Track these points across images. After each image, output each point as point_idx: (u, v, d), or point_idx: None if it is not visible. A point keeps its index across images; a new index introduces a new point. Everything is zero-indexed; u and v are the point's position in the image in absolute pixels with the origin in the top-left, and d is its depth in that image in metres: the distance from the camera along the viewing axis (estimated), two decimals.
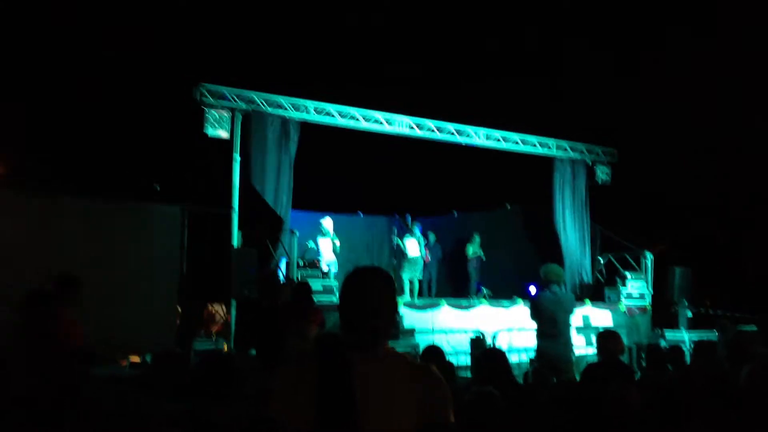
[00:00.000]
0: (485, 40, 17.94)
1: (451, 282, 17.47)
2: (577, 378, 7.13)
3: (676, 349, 7.11)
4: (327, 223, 14.07)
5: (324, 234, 13.95)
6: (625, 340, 6.70)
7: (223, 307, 12.55)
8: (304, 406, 2.23)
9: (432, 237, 16.64)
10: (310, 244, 14.02)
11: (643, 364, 9.03)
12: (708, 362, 5.83)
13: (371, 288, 2.40)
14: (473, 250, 16.05)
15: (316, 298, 11.06)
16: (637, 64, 17.28)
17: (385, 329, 2.40)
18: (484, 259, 16.18)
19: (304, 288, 7.94)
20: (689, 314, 14.27)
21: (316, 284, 11.49)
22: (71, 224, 9.54)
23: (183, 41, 16.69)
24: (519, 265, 16.30)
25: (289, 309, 7.79)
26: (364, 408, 2.21)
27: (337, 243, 13.99)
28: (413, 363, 2.42)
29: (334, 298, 12.12)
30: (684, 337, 13.37)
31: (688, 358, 8.47)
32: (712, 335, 11.57)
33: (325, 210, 15.84)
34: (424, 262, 15.74)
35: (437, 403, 2.33)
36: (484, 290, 15.74)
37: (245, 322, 11.03)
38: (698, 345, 6.70)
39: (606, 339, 5.97)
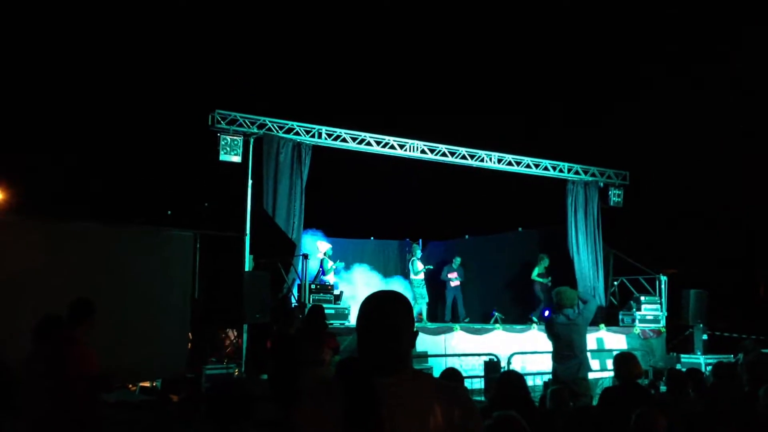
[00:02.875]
0: (499, 65, 18.04)
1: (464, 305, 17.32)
2: (594, 402, 7.05)
3: (694, 372, 7.01)
4: (323, 246, 14.47)
5: (327, 256, 14.25)
6: (641, 364, 6.60)
7: (234, 332, 12.52)
8: None
9: (457, 260, 16.63)
10: (338, 264, 14.26)
11: (662, 388, 8.91)
12: (729, 385, 5.73)
13: (390, 311, 2.37)
14: (539, 272, 15.54)
15: (328, 322, 11.08)
16: (651, 88, 17.33)
17: (408, 352, 2.37)
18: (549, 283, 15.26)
19: (318, 311, 7.87)
20: (704, 337, 14.10)
21: (328, 308, 11.51)
22: (83, 249, 9.52)
23: (197, 69, 16.85)
24: (532, 289, 16.19)
25: (303, 335, 7.73)
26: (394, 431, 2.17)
27: (331, 264, 14.32)
28: (440, 383, 2.38)
29: (347, 323, 12.06)
30: (700, 360, 13.21)
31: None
32: (728, 358, 11.42)
33: (337, 235, 15.92)
34: (451, 285, 16.09)
35: (468, 422, 2.29)
36: (497, 314, 15.63)
37: (257, 347, 10.96)
38: (717, 367, 6.59)
39: (624, 362, 5.86)
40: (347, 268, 16.04)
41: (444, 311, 16.35)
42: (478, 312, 16.85)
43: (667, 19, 16.78)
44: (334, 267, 14.37)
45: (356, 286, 15.55)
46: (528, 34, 17.75)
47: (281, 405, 6.40)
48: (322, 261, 14.17)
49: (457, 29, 18.09)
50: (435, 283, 16.53)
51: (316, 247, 14.49)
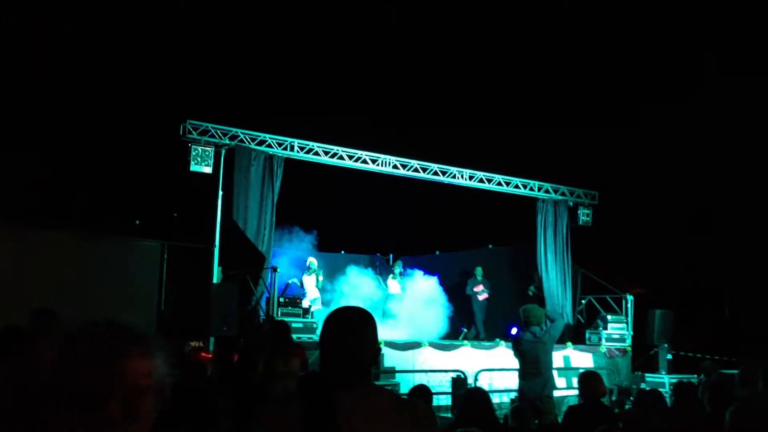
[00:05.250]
0: (472, 83, 18.20)
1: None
2: (559, 419, 7.09)
3: (654, 391, 7.08)
4: (312, 260, 14.30)
5: (309, 271, 14.11)
6: (605, 382, 6.67)
7: (200, 344, 12.40)
8: None
9: (479, 270, 16.13)
10: (292, 281, 14.07)
11: (627, 406, 8.99)
12: (690, 405, 5.80)
13: (353, 326, 2.40)
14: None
15: (296, 335, 11.01)
16: (622, 110, 17.60)
17: (369, 368, 2.41)
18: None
19: (283, 327, 7.83)
20: (669, 357, 14.25)
21: (296, 322, 11.47)
22: (49, 256, 9.42)
23: (169, 78, 16.75)
24: (501, 306, 16.25)
25: (271, 348, 7.67)
26: None
27: (321, 278, 14.17)
28: (399, 398, 2.41)
29: (315, 337, 11.99)
30: (664, 379, 13.34)
31: (668, 401, 8.44)
32: (692, 378, 11.54)
33: (305, 248, 15.85)
34: (479, 299, 15.78)
35: None
36: (465, 330, 15.66)
37: (223, 360, 10.86)
38: (678, 387, 6.66)
39: (588, 380, 5.92)
40: (331, 281, 15.83)
41: (472, 328, 15.80)
42: (447, 328, 16.84)
43: (641, 41, 17.09)
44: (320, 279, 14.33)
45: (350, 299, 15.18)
46: (501, 53, 17.94)
47: (241, 417, 6.32)
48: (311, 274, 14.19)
49: (431, 45, 18.23)
50: (460, 297, 16.20)
51: (310, 261, 14.45)
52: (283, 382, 7.01)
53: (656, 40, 16.93)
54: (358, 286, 15.66)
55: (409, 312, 15.19)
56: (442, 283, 16.57)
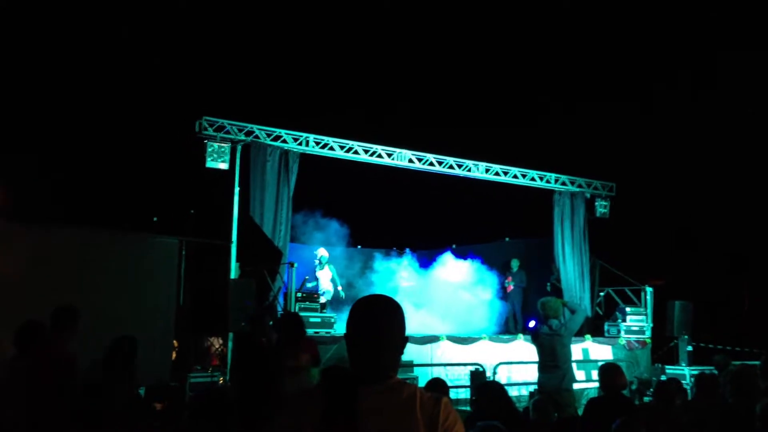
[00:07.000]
0: (489, 77, 18.15)
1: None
2: (579, 412, 7.06)
3: (675, 381, 7.04)
4: (323, 252, 14.23)
5: (321, 265, 14.13)
6: (626, 375, 6.63)
7: (219, 340, 12.45)
8: None
9: (515, 263, 16.19)
10: (311, 283, 14.05)
11: (645, 399, 8.94)
12: (711, 396, 5.75)
13: (380, 317, 2.30)
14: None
15: (314, 330, 11.02)
16: (638, 101, 17.48)
17: (394, 361, 2.31)
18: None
19: (293, 319, 7.75)
20: (689, 348, 14.14)
21: (314, 317, 11.49)
22: (68, 254, 9.48)
23: (184, 75, 16.81)
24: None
25: (280, 343, 7.61)
26: None
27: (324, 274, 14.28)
28: (423, 394, 2.32)
29: (332, 331, 11.99)
30: (685, 371, 13.25)
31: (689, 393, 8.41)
32: (713, 370, 11.45)
33: (322, 242, 15.86)
34: (506, 291, 15.77)
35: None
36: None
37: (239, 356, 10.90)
38: (699, 378, 6.61)
39: (608, 373, 5.89)
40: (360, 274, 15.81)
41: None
42: (464, 321, 16.80)
43: (654, 29, 16.96)
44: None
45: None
46: (515, 44, 17.85)
47: (249, 414, 6.31)
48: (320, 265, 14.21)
49: (445, 38, 18.18)
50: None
51: (318, 254, 14.48)
52: (292, 378, 7.00)
53: (669, 26, 16.79)
54: (383, 279, 15.70)
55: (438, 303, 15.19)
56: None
